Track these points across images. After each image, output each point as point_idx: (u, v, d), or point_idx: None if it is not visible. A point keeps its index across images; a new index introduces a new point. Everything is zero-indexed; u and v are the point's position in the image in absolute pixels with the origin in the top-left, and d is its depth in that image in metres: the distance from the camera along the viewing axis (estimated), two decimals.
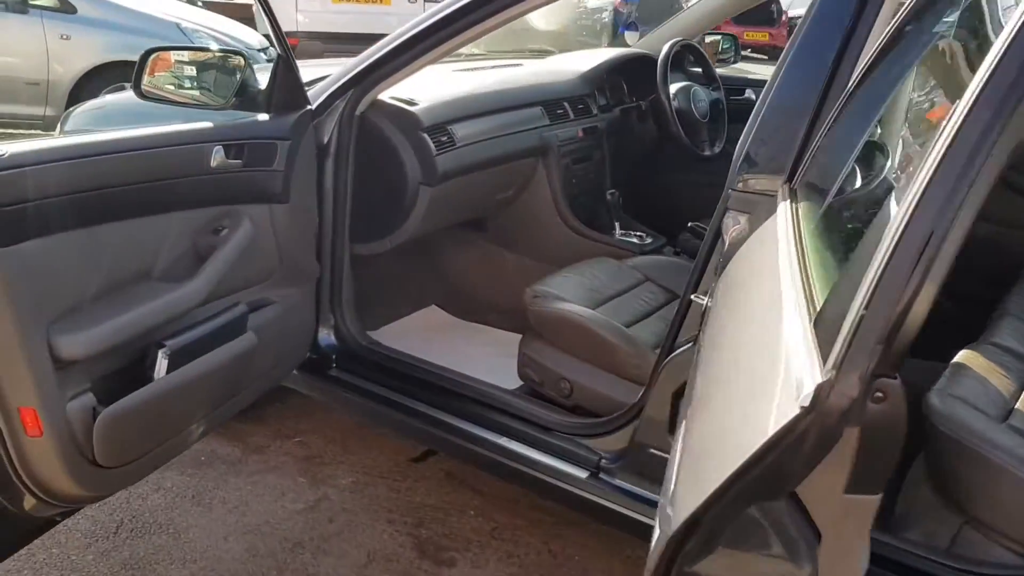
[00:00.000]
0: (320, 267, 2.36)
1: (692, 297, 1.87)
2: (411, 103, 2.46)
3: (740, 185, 1.78)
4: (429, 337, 2.91)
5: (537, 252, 3.00)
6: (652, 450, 1.99)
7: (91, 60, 6.25)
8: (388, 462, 2.71)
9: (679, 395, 1.93)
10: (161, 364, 1.69)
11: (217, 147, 1.86)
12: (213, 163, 1.85)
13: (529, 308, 2.40)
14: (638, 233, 2.98)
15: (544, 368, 2.35)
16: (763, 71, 3.79)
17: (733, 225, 1.78)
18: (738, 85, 3.45)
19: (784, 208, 1.39)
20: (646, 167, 3.39)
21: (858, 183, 1.43)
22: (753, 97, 3.46)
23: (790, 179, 1.71)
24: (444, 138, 2.45)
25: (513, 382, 2.51)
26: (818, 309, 0.79)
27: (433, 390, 2.40)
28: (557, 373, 2.32)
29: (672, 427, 1.95)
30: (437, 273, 3.16)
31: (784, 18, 18.31)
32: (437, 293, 3.17)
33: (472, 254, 3.11)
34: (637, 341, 2.25)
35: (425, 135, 2.41)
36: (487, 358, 2.78)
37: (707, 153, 3.14)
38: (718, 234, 1.85)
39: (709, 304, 1.74)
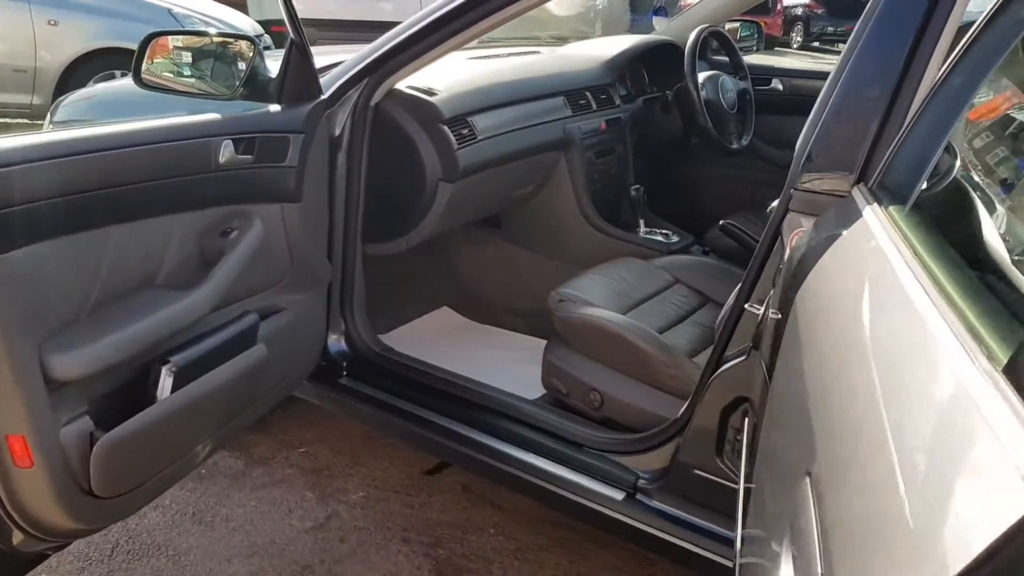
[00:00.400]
0: (331, 269, 2.19)
1: (746, 307, 1.72)
2: (430, 93, 2.28)
3: (804, 184, 1.62)
4: (443, 341, 2.75)
5: (556, 251, 2.84)
6: (697, 471, 1.84)
7: (80, 47, 6.04)
8: (400, 474, 2.55)
9: (729, 411, 1.77)
10: (165, 382, 1.52)
11: (226, 141, 1.69)
12: (222, 159, 1.68)
13: (554, 313, 2.24)
14: (663, 231, 2.82)
15: (571, 378, 2.19)
16: (763, 61, 3.62)
17: (796, 228, 1.62)
18: (764, 74, 3.29)
19: (875, 215, 1.23)
20: (670, 161, 3.23)
21: (979, 189, 1.27)
22: (780, 87, 3.31)
23: (861, 179, 1.55)
24: (465, 131, 2.28)
25: (534, 390, 2.35)
26: (1010, 352, 0.63)
27: (451, 400, 2.24)
28: (586, 383, 2.17)
29: (720, 446, 1.80)
30: (449, 273, 3.00)
31: (779, 6, 18.19)
32: (449, 294, 3.00)
33: (486, 253, 2.95)
34: (673, 349, 2.10)
35: (445, 128, 2.24)
36: (506, 364, 2.62)
37: (735, 146, 2.98)
38: (775, 237, 1.69)
39: (772, 316, 1.58)
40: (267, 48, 4.93)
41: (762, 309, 1.69)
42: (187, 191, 1.64)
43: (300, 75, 1.90)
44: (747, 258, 2.78)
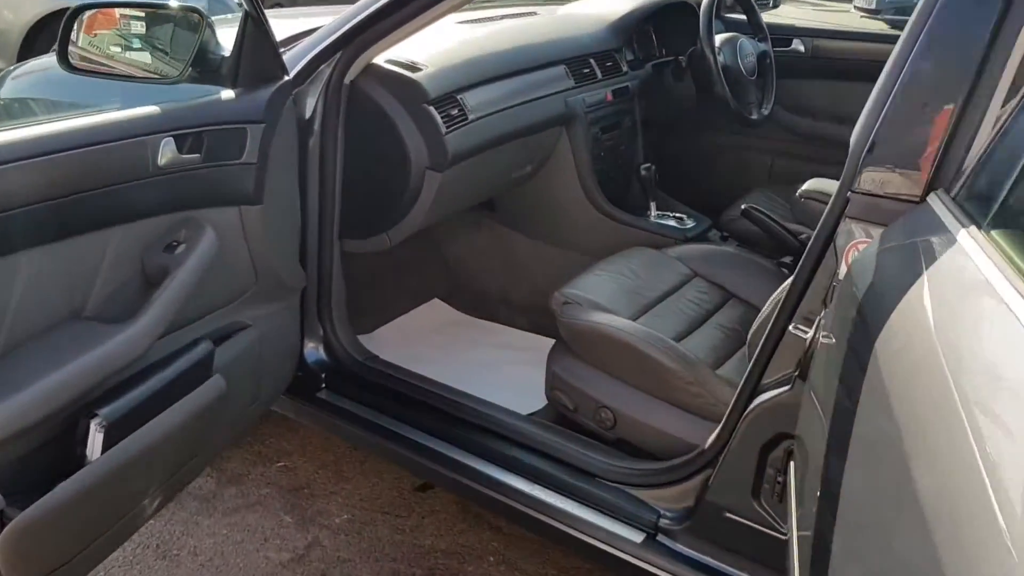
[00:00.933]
0: (305, 272, 1.92)
1: (791, 329, 1.45)
2: (413, 67, 1.99)
3: (864, 185, 1.35)
4: (433, 341, 2.49)
5: (557, 237, 2.56)
6: (729, 514, 1.59)
7: (45, 6, 5.66)
8: (389, 491, 2.30)
9: (769, 449, 1.52)
10: (95, 439, 1.26)
11: (166, 139, 1.40)
12: (161, 160, 1.40)
13: (559, 318, 1.97)
14: (677, 214, 2.54)
15: (579, 392, 1.93)
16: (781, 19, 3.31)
17: (856, 239, 1.35)
18: (784, 34, 2.98)
19: (973, 239, 0.96)
20: (682, 134, 2.94)
21: None
22: (801, 48, 3.00)
23: (934, 182, 1.27)
24: (454, 111, 1.98)
25: (536, 399, 2.10)
26: None
27: (443, 418, 1.99)
28: (596, 399, 1.91)
29: (758, 487, 1.55)
30: (438, 261, 2.72)
31: None
32: (439, 284, 2.73)
33: (479, 239, 2.67)
34: (696, 364, 1.84)
35: (431, 108, 1.94)
36: (504, 369, 2.36)
37: (755, 116, 2.69)
38: (826, 247, 1.42)
39: (825, 340, 1.32)
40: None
41: (810, 332, 1.42)
42: (121, 201, 1.36)
43: (258, 52, 1.61)
44: (771, 245, 2.53)
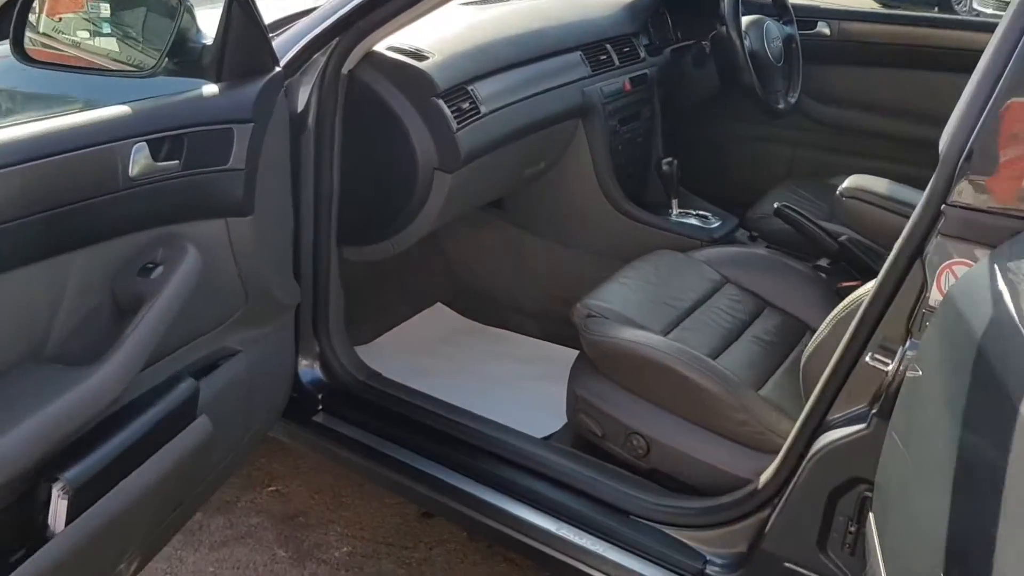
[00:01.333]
0: (299, 284, 1.71)
1: (867, 359, 1.26)
2: (419, 55, 1.77)
3: (961, 198, 1.15)
4: (437, 351, 2.29)
5: (572, 237, 2.36)
6: (790, 565, 1.40)
7: None
8: (393, 518, 2.11)
9: (840, 494, 1.33)
10: (59, 507, 1.05)
11: (138, 145, 1.18)
12: (133, 170, 1.18)
13: (583, 334, 1.78)
14: (701, 212, 2.34)
15: (608, 417, 1.74)
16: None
17: (951, 260, 1.16)
18: (807, 16, 2.78)
19: None
20: (700, 124, 2.74)
21: None
22: (827, 31, 2.80)
23: None
24: (466, 104, 1.77)
25: (550, 417, 1.92)
26: None
27: (453, 444, 1.79)
28: (627, 425, 1.71)
29: (825, 538, 1.37)
30: (440, 262, 2.51)
31: None
32: (442, 287, 2.52)
33: (486, 239, 2.46)
34: (739, 385, 1.65)
35: (441, 103, 1.73)
36: (514, 381, 2.17)
37: (781, 105, 2.49)
38: (909, 267, 1.23)
39: (916, 376, 1.13)
40: None
41: (892, 365, 1.23)
42: (84, 220, 1.14)
43: (245, 40, 1.39)
44: (805, 246, 2.34)
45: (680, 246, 2.19)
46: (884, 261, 2.13)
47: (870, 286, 1.33)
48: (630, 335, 1.72)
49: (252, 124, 1.38)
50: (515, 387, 2.13)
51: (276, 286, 1.57)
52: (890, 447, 1.18)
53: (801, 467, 1.36)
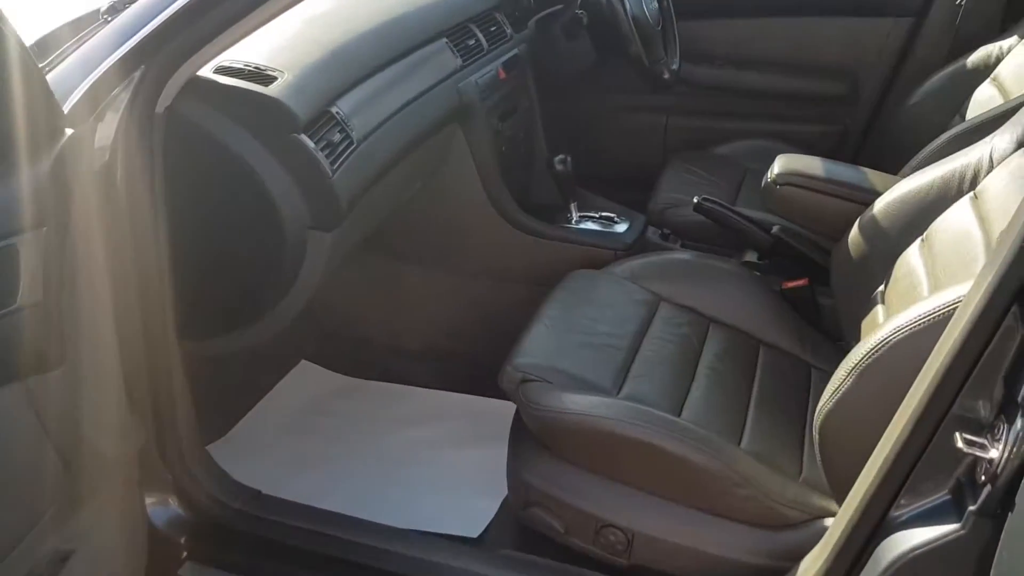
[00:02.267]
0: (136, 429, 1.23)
1: (959, 443, 0.97)
2: (261, 76, 1.30)
3: None
4: (314, 427, 1.85)
5: (460, 262, 1.97)
6: None
7: None
8: None
9: None
10: None
11: None
12: None
13: (523, 409, 1.41)
14: (604, 214, 2.00)
15: (572, 509, 1.39)
16: None
17: None
18: None
19: None
20: (570, 101, 2.38)
21: None
22: None
23: None
24: (336, 135, 1.33)
25: (481, 496, 1.56)
26: None
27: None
28: (598, 517, 1.37)
29: None
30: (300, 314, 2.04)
31: None
32: (303, 340, 2.06)
33: (352, 274, 2.02)
34: (729, 452, 1.34)
35: (305, 139, 1.28)
36: (420, 455, 1.77)
37: (667, 75, 2.18)
38: (1003, 315, 0.94)
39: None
40: None
41: (999, 450, 0.95)
42: None
43: (20, 98, 0.89)
44: (724, 238, 2.06)
45: (590, 260, 1.85)
46: (823, 251, 1.93)
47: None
48: (584, 404, 1.36)
49: (45, 229, 0.89)
50: (424, 464, 1.74)
51: (104, 439, 1.09)
52: (1014, 555, 0.90)
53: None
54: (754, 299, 1.74)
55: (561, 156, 1.91)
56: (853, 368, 1.19)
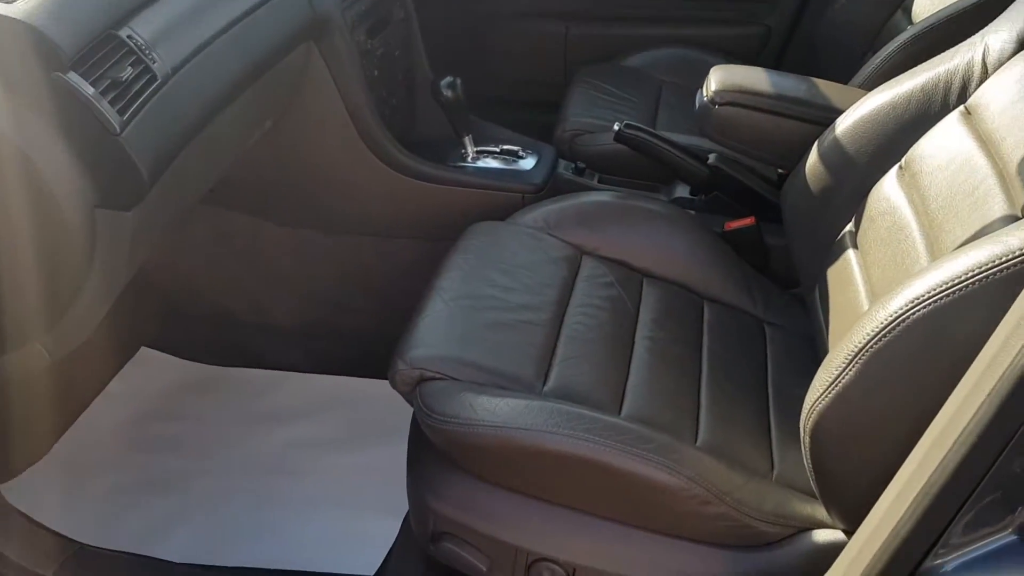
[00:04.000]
0: None
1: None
2: None
3: None
4: (162, 435, 1.48)
5: (330, 218, 1.59)
6: None
7: None
8: None
9: None
10: None
11: None
12: None
13: (423, 419, 1.08)
14: (506, 148, 1.65)
15: (495, 542, 1.08)
16: None
17: None
18: None
19: None
20: (466, 13, 2.00)
21: None
22: None
23: None
24: (126, 69, 0.92)
25: (378, 515, 1.26)
26: None
27: None
28: (528, 550, 1.07)
29: None
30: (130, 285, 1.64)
31: None
32: (142, 322, 1.66)
33: (199, 235, 1.62)
34: (691, 459, 1.05)
35: (76, 78, 0.87)
36: (300, 467, 1.44)
37: None
38: None
39: None
40: None
41: None
42: None
43: None
44: (650, 170, 1.74)
45: (493, 207, 1.52)
46: (771, 183, 1.63)
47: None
48: (502, 413, 1.05)
49: None
50: (301, 476, 1.40)
51: None
52: None
53: None
54: (692, 245, 1.44)
55: (449, 78, 1.54)
56: (856, 354, 0.90)
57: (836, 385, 0.91)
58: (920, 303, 0.86)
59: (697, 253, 1.43)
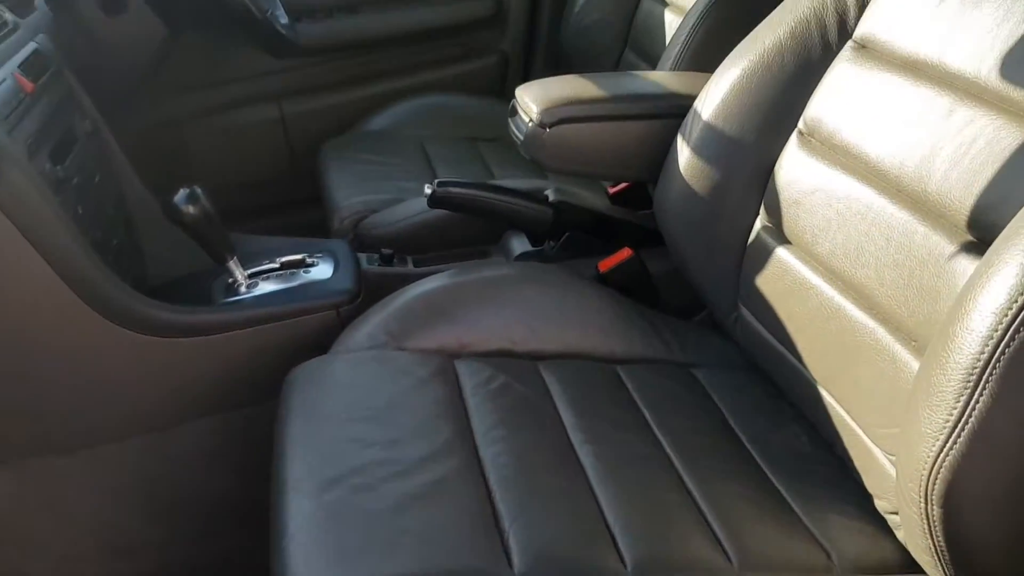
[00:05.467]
0: None
1: None
2: None
3: None
4: None
5: (67, 429, 1.08)
6: None
7: None
8: None
9: None
10: None
11: None
12: None
13: None
14: (284, 260, 1.23)
15: None
16: None
17: None
18: None
19: None
20: (164, 110, 1.56)
21: None
22: None
23: None
24: None
25: None
26: None
27: None
28: None
29: None
30: None
31: None
32: None
33: None
34: None
35: None
36: None
37: (286, 32, 1.45)
38: None
39: None
40: None
41: None
42: None
43: None
44: (465, 235, 1.38)
45: (304, 340, 1.12)
46: (630, 201, 1.34)
47: None
48: None
49: None
50: None
51: None
52: None
53: None
54: (573, 303, 1.13)
55: (186, 190, 1.11)
56: (970, 376, 0.62)
57: (964, 425, 0.63)
58: None
59: (583, 311, 1.12)
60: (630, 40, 1.68)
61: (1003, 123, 0.76)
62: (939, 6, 0.87)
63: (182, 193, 1.11)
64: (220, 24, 1.40)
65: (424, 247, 1.32)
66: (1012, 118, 0.76)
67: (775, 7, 1.08)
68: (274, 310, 1.13)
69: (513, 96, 1.19)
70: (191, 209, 1.11)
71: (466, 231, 1.32)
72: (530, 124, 1.13)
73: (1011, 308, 0.61)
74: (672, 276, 1.19)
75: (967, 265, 0.74)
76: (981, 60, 0.80)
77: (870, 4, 0.98)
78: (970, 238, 0.76)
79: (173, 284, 1.25)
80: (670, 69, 1.33)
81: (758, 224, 1.05)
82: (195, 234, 1.13)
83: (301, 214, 1.62)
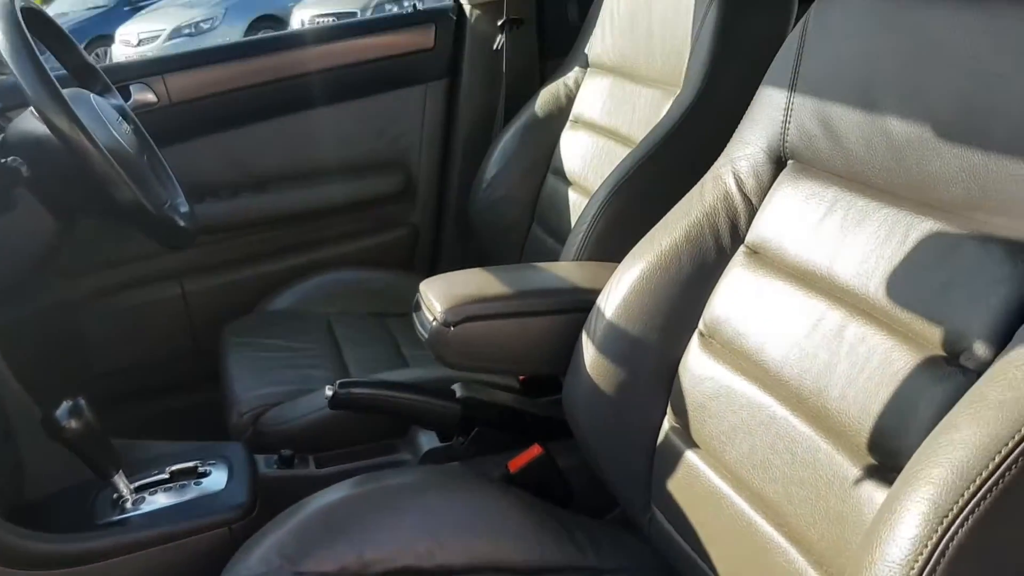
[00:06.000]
0: None
1: None
2: None
3: None
4: None
5: None
6: None
7: None
8: None
9: None
10: None
11: None
12: None
13: None
14: (174, 469, 1.16)
15: None
16: None
17: None
18: (119, 80, 1.70)
19: None
20: (51, 306, 1.49)
21: None
22: (152, 97, 1.77)
23: None
24: None
25: None
26: None
27: None
28: None
29: None
30: None
31: None
32: None
33: None
34: None
35: None
36: None
37: (183, 223, 1.42)
38: None
39: None
40: None
41: None
42: None
43: None
44: (378, 428, 1.33)
45: (192, 563, 1.04)
46: (538, 396, 1.32)
47: None
48: None
49: None
50: None
51: None
52: None
53: None
54: (482, 510, 1.08)
55: (67, 403, 1.04)
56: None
57: None
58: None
59: (491, 517, 1.07)
60: (536, 215, 1.71)
61: (894, 344, 0.77)
62: (822, 221, 0.90)
63: (63, 407, 1.04)
64: (113, 219, 1.36)
65: (328, 444, 1.27)
66: (903, 340, 0.77)
67: (676, 196, 1.10)
68: (162, 531, 1.05)
69: (421, 271, 1.18)
70: (73, 424, 1.04)
71: (373, 426, 1.27)
72: (434, 323, 1.11)
73: (916, 562, 0.59)
74: (585, 470, 1.16)
75: (873, 492, 0.73)
76: (868, 278, 0.82)
77: (759, 211, 1.00)
78: (873, 461, 0.76)
79: (54, 497, 1.16)
80: (575, 256, 1.34)
81: (666, 424, 1.04)
82: (77, 450, 1.06)
83: (205, 391, 1.55)
